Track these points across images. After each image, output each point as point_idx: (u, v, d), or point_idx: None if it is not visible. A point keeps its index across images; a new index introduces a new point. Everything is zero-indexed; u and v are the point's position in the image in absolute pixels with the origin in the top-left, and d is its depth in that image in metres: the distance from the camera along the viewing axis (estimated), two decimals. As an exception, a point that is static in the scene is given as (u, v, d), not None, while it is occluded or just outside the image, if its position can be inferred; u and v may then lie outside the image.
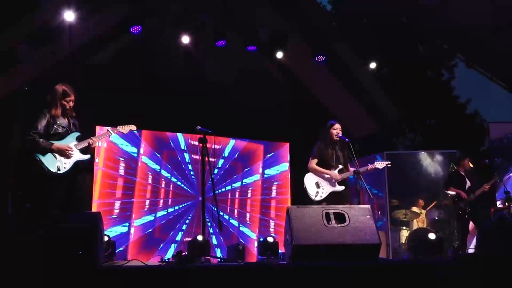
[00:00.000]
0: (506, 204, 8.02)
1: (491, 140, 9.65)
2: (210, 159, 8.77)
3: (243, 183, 9.96)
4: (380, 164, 6.39)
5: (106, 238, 7.05)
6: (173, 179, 9.06)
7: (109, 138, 5.98)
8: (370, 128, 10.42)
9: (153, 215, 8.77)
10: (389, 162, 6.51)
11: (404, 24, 9.92)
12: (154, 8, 8.06)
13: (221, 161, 9.75)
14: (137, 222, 8.53)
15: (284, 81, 9.29)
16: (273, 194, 9.98)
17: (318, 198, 6.03)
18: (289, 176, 10.12)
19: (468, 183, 8.19)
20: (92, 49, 7.82)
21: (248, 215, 9.68)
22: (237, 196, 9.60)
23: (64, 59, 7.45)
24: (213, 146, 9.14)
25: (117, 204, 8.38)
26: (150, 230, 8.66)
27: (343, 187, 6.22)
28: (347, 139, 6.14)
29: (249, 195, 9.84)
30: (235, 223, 9.60)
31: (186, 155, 9.26)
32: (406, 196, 9.78)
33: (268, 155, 10.10)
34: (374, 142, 10.35)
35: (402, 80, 10.51)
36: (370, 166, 6.23)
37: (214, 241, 9.11)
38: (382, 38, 9.45)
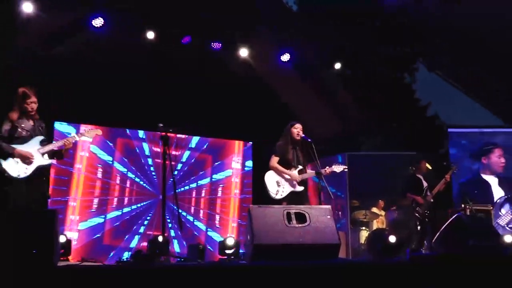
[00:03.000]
0: (463, 205, 7.90)
1: (449, 143, 9.78)
2: (174, 152, 9.06)
3: (198, 184, 10.03)
4: (337, 168, 6.39)
5: (63, 238, 7.08)
6: (132, 177, 9.18)
7: (73, 141, 5.74)
8: (333, 129, 10.46)
9: (120, 210, 8.97)
10: (346, 167, 6.55)
11: (370, 26, 10.02)
12: (118, 1, 7.96)
13: (186, 154, 9.89)
14: (108, 216, 8.80)
15: (248, 79, 9.21)
16: (236, 193, 10.27)
17: (278, 196, 6.06)
18: (251, 175, 10.24)
19: (425, 184, 8.19)
20: (52, 42, 7.65)
21: (217, 217, 9.82)
22: (203, 195, 9.77)
23: (23, 52, 7.37)
24: (173, 153, 9.28)
25: (95, 201, 8.84)
26: (117, 223, 8.90)
27: (302, 188, 6.24)
28: (309, 139, 6.13)
29: (202, 194, 9.91)
30: (201, 226, 9.65)
31: (149, 160, 9.37)
32: (366, 197, 9.86)
33: (217, 163, 10.13)
34: (337, 142, 10.20)
35: (366, 81, 10.61)
36: (328, 169, 6.24)
37: (173, 234, 9.27)
38: (347, 38, 9.46)
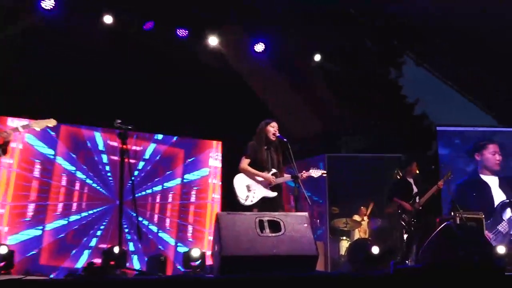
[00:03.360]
0: (452, 213, 8.00)
1: (438, 144, 9.82)
2: (131, 161, 8.48)
3: (164, 187, 9.59)
4: (315, 173, 6.34)
5: (4, 249, 6.81)
6: (83, 177, 8.68)
7: (18, 134, 5.85)
8: (312, 128, 10.44)
9: (66, 219, 8.42)
10: (325, 172, 6.54)
11: (352, 16, 9.99)
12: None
13: (150, 149, 9.48)
14: (48, 226, 8.20)
15: (218, 72, 9.09)
16: (194, 199, 9.82)
17: (248, 202, 6.00)
18: (220, 178, 9.95)
19: (415, 190, 8.12)
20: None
21: (190, 228, 9.42)
22: (171, 200, 9.39)
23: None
24: (133, 148, 8.95)
25: (31, 207, 8.12)
26: (62, 235, 8.29)
27: (276, 193, 6.15)
28: (285, 139, 6.06)
29: (169, 199, 9.46)
30: (169, 239, 9.24)
31: (104, 156, 8.94)
32: (347, 204, 9.78)
33: (190, 160, 9.83)
34: (316, 143, 10.28)
35: (349, 77, 10.55)
36: (304, 174, 6.19)
37: (132, 248, 8.81)
38: (329, 30, 9.44)
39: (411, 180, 8.23)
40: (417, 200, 8.04)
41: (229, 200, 6.62)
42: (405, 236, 7.87)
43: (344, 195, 9.94)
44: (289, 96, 10.03)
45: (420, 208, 7.93)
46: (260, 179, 6.12)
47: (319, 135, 10.58)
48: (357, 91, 10.48)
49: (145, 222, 9.00)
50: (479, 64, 9.89)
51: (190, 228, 9.40)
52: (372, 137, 11.01)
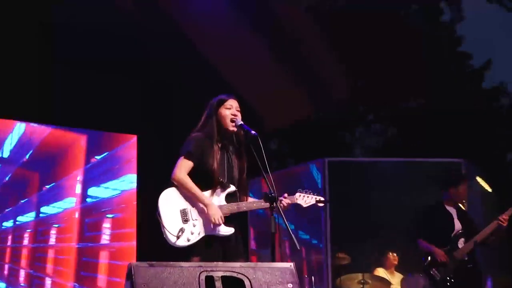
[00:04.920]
0: None
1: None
2: None
3: (41, 215, 9.32)
4: (305, 199, 6.03)
5: None
6: None
7: None
8: (300, 115, 10.49)
9: None
10: (322, 199, 6.10)
11: None
12: None
13: None
14: None
15: (131, 22, 9.19)
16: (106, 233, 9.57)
17: (182, 242, 5.69)
18: (135, 199, 9.46)
19: (458, 226, 8.06)
20: None
21: (48, 282, 9.32)
22: (26, 242, 9.33)
23: None
24: None
25: None
26: None
27: (232, 230, 5.84)
28: (253, 132, 5.60)
29: (51, 240, 9.42)
30: None
31: None
32: (364, 247, 9.47)
33: (96, 157, 9.55)
34: (308, 139, 10.23)
35: (359, 24, 10.39)
36: (285, 200, 5.86)
37: None
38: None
39: (453, 210, 8.10)
40: (460, 245, 7.89)
41: (153, 238, 6.24)
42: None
43: (357, 232, 9.60)
44: (261, 60, 10.00)
45: (466, 259, 7.78)
46: (206, 201, 5.81)
47: (313, 125, 10.42)
48: (377, 52, 10.11)
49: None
50: None
51: (48, 281, 9.28)
52: (403, 128, 10.75)
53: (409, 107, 11.25)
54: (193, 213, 5.94)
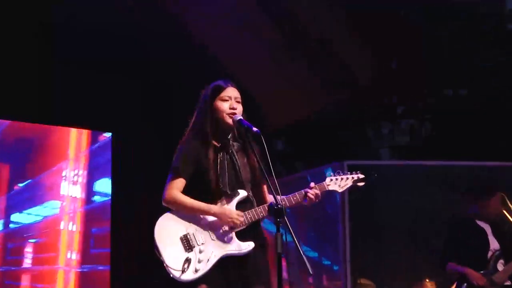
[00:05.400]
0: None
1: None
2: None
3: (10, 226, 9.55)
4: (338, 184, 5.85)
5: None
6: None
7: None
8: (314, 108, 10.16)
9: None
10: (362, 177, 5.88)
11: None
12: None
13: None
14: None
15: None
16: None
17: (190, 275, 5.63)
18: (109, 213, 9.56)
19: (494, 245, 8.07)
20: None
21: None
22: None
23: None
24: None
25: None
26: None
27: (250, 245, 5.67)
28: (255, 129, 5.46)
29: (25, 262, 9.72)
30: None
31: None
32: (392, 272, 9.35)
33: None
34: (323, 138, 9.99)
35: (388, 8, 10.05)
36: (312, 192, 5.63)
37: None
38: None
39: (487, 226, 8.07)
40: (499, 267, 7.92)
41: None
42: None
43: (384, 251, 9.38)
44: (268, 47, 9.92)
45: (508, 284, 7.88)
46: (210, 218, 5.76)
47: (330, 120, 10.15)
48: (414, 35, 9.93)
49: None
50: None
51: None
52: (441, 124, 10.51)
53: (448, 97, 10.84)
54: (197, 236, 5.94)
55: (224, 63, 10.33)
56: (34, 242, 9.76)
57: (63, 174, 10.16)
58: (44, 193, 10.06)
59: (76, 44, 10.28)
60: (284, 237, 5.30)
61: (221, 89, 6.01)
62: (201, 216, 6.02)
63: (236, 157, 6.04)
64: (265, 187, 6.10)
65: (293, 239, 5.28)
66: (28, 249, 9.90)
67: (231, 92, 6.00)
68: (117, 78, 10.70)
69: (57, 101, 10.25)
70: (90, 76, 10.41)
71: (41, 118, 10.31)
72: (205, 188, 5.91)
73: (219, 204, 5.94)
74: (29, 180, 9.98)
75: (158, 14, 10.30)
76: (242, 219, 5.86)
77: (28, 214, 9.74)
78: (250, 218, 5.89)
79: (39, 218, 9.94)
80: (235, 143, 6.06)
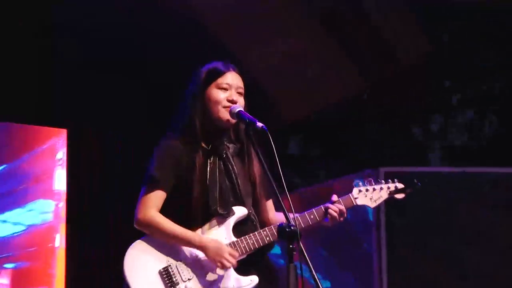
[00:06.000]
0: None
1: None
2: None
3: None
4: (370, 197, 5.76)
5: None
6: None
7: None
8: (342, 95, 9.71)
9: None
10: (412, 185, 5.91)
11: None
12: None
13: None
14: None
15: None
16: None
17: None
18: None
19: None
20: None
21: None
22: None
23: None
24: None
25: None
26: None
27: (254, 279, 5.51)
28: (259, 124, 5.18)
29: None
30: None
31: None
32: None
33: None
34: (351, 138, 9.65)
35: None
36: (334, 208, 5.46)
37: None
38: None
39: None
40: None
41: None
42: None
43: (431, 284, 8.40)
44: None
45: None
46: (195, 253, 5.79)
47: (358, 108, 9.92)
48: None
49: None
50: None
51: None
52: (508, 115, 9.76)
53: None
54: (182, 269, 5.78)
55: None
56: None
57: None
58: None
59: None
60: (299, 270, 5.09)
61: (219, 73, 5.73)
62: (186, 242, 6.00)
63: (233, 163, 5.84)
64: (271, 202, 5.90)
65: (312, 273, 5.15)
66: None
67: (232, 79, 5.71)
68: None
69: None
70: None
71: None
72: (187, 205, 5.80)
73: (207, 227, 5.84)
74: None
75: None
76: (234, 261, 5.67)
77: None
78: (253, 244, 5.66)
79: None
80: (231, 145, 5.83)
